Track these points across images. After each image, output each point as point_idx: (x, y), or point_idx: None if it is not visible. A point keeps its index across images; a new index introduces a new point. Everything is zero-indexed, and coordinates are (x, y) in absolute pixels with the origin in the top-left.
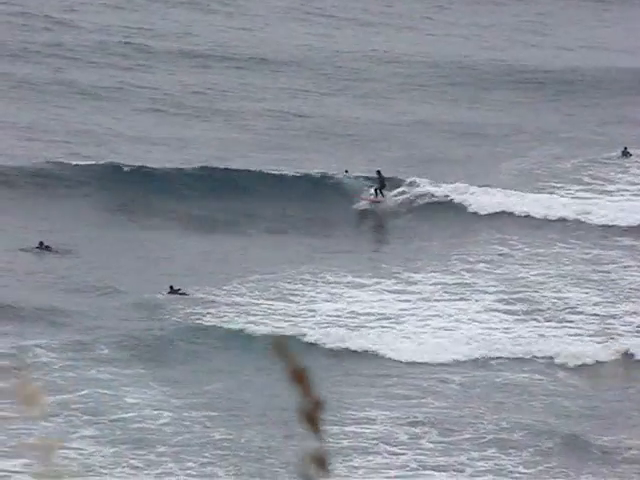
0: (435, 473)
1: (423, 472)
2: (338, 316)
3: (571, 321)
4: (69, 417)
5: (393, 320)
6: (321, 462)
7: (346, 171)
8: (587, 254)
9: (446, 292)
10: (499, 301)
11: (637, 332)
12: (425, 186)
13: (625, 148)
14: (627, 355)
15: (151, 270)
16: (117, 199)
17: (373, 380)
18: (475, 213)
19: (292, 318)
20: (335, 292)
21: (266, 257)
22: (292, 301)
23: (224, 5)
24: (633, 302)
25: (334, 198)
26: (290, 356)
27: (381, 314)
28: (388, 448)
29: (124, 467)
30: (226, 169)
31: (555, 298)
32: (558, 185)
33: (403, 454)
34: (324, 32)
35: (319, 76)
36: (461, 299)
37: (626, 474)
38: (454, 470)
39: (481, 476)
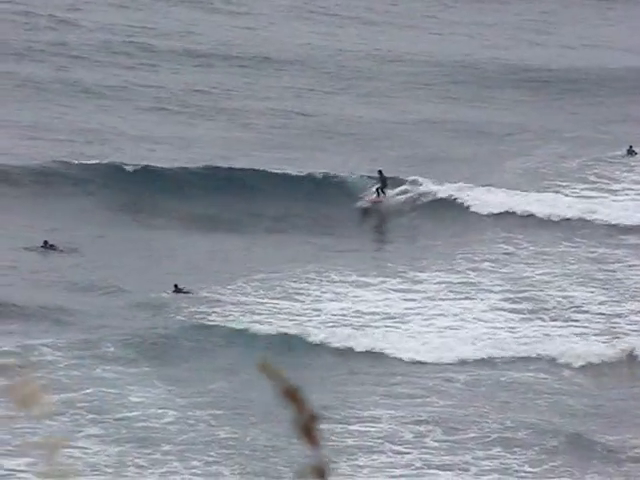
0: (440, 472)
1: (428, 471)
2: (343, 315)
3: (576, 320)
4: (74, 416)
5: (398, 319)
6: (321, 474)
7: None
8: (592, 253)
9: (451, 291)
10: (504, 300)
11: None
12: (429, 185)
13: (630, 147)
14: (632, 354)
15: (155, 269)
16: (121, 198)
17: (378, 379)
18: (480, 212)
19: (297, 317)
20: (340, 291)
21: (271, 256)
22: (297, 300)
23: (227, 4)
24: (638, 301)
25: (338, 197)
26: (280, 376)
27: (386, 313)
28: (393, 447)
29: (129, 466)
30: (230, 168)
31: (560, 297)
32: (563, 184)
33: (408, 453)
34: (327, 31)
35: (322, 75)
36: (466, 298)
37: (631, 473)
38: (459, 469)
39: (486, 475)
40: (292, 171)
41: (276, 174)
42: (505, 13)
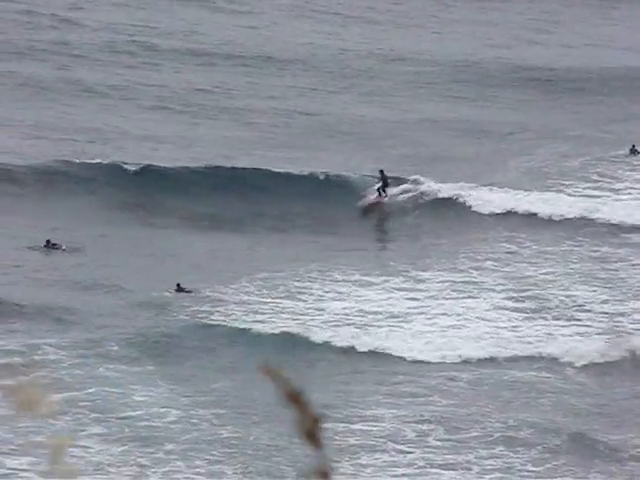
0: (443, 471)
1: (430, 470)
2: (346, 314)
3: (579, 319)
4: (77, 415)
5: (401, 318)
6: (324, 476)
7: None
8: (595, 252)
9: (454, 290)
10: (507, 299)
11: None
12: (431, 184)
13: (633, 146)
14: (635, 353)
15: (158, 268)
16: (123, 197)
17: (381, 378)
18: (482, 211)
19: (300, 316)
20: (343, 290)
21: (273, 255)
22: (300, 299)
23: (230, 3)
24: None
25: (341, 196)
26: (283, 378)
27: (389, 312)
28: (396, 446)
29: (132, 465)
30: (232, 167)
31: (563, 296)
32: (565, 183)
33: (411, 452)
34: (330, 30)
35: (325, 74)
36: (469, 297)
37: (634, 472)
38: (462, 468)
39: (489, 474)
40: (294, 170)
41: (278, 173)
42: (507, 12)
